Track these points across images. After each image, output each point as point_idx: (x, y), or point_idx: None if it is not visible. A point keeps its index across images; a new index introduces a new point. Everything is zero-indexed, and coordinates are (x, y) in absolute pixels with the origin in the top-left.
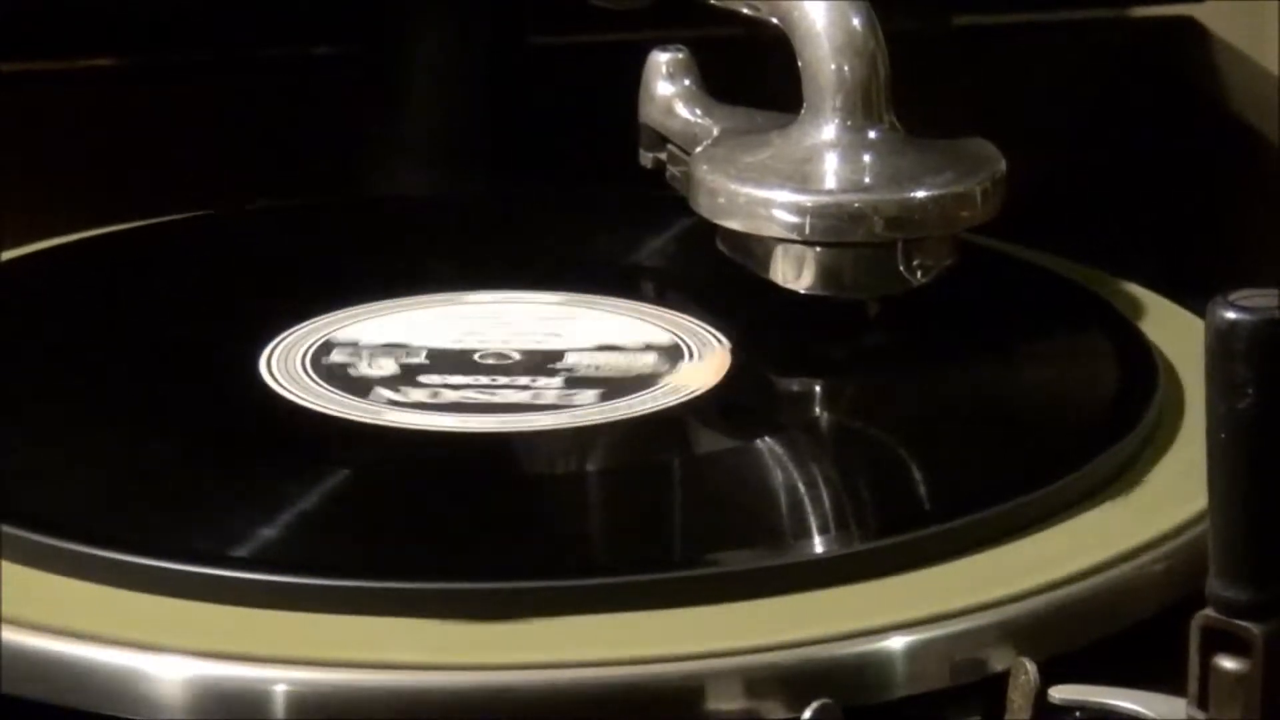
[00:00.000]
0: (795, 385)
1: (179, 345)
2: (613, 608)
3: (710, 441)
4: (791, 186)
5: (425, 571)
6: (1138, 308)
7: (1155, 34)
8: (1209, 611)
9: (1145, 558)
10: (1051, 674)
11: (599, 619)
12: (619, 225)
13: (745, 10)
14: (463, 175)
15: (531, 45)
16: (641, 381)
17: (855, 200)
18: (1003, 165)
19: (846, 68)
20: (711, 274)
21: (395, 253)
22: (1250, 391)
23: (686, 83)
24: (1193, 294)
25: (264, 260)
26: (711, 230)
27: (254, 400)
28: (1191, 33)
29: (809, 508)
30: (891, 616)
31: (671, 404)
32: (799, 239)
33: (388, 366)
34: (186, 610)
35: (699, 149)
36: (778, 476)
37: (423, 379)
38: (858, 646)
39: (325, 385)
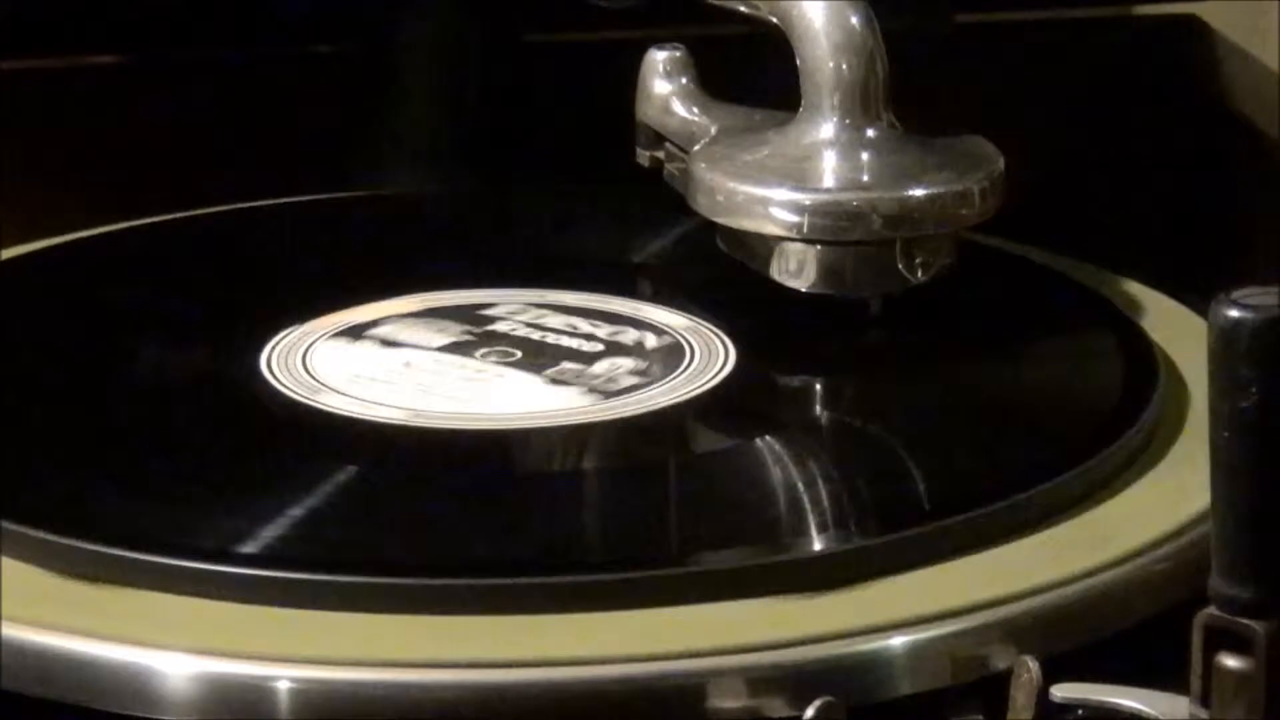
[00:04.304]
0: (796, 383)
1: (179, 344)
2: (615, 605)
3: (711, 440)
4: (790, 185)
5: (426, 568)
6: (1139, 306)
7: (1157, 31)
8: (1211, 610)
9: (1148, 556)
10: (1054, 672)
11: (601, 616)
12: (617, 224)
13: (743, 9)
14: (459, 174)
15: (528, 43)
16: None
17: (854, 198)
18: (1001, 163)
19: (845, 66)
20: (711, 273)
21: (392, 251)
22: (1253, 390)
23: (684, 81)
24: (1194, 292)
25: (262, 259)
26: (710, 229)
27: (256, 398)
28: (1193, 30)
29: (811, 506)
30: (894, 615)
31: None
32: (798, 237)
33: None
34: (190, 607)
35: (697, 147)
36: (780, 474)
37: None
38: (860, 645)
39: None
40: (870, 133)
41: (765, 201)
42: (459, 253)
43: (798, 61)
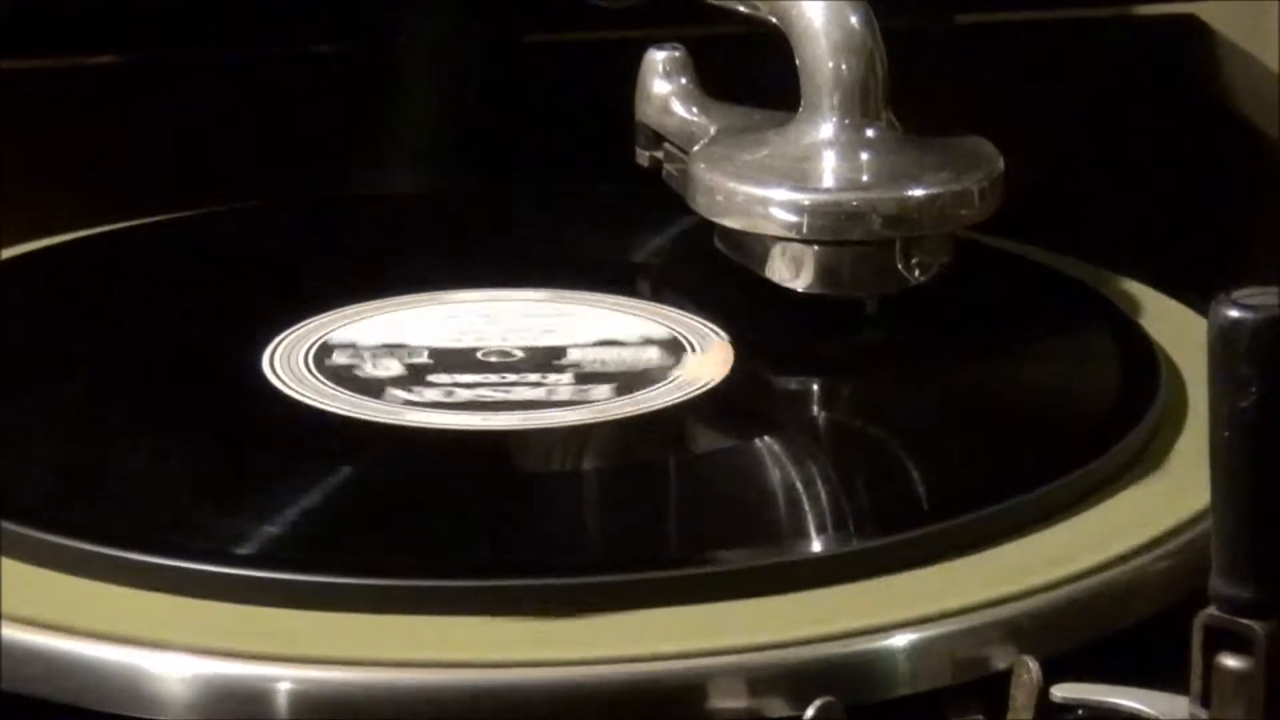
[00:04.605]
0: (796, 384)
1: (179, 344)
2: (616, 605)
3: (711, 440)
4: (789, 185)
5: (427, 569)
6: (1139, 305)
7: (1157, 31)
8: (1211, 610)
9: (1148, 556)
10: (1054, 672)
11: (601, 616)
12: (616, 224)
13: (743, 8)
14: (458, 173)
15: (527, 43)
16: (648, 377)
17: (853, 198)
18: (1000, 163)
19: (844, 66)
20: (711, 273)
21: (391, 251)
22: (1253, 390)
23: (683, 81)
24: (1194, 292)
25: (262, 259)
26: (709, 229)
27: (258, 399)
28: (1193, 30)
29: (811, 506)
30: (894, 615)
31: (673, 402)
32: (797, 237)
33: (392, 365)
34: (190, 608)
35: (696, 147)
36: (779, 475)
37: (430, 377)
38: (860, 644)
39: (329, 384)
40: (869, 133)
41: (764, 201)
42: (456, 252)
43: (797, 61)
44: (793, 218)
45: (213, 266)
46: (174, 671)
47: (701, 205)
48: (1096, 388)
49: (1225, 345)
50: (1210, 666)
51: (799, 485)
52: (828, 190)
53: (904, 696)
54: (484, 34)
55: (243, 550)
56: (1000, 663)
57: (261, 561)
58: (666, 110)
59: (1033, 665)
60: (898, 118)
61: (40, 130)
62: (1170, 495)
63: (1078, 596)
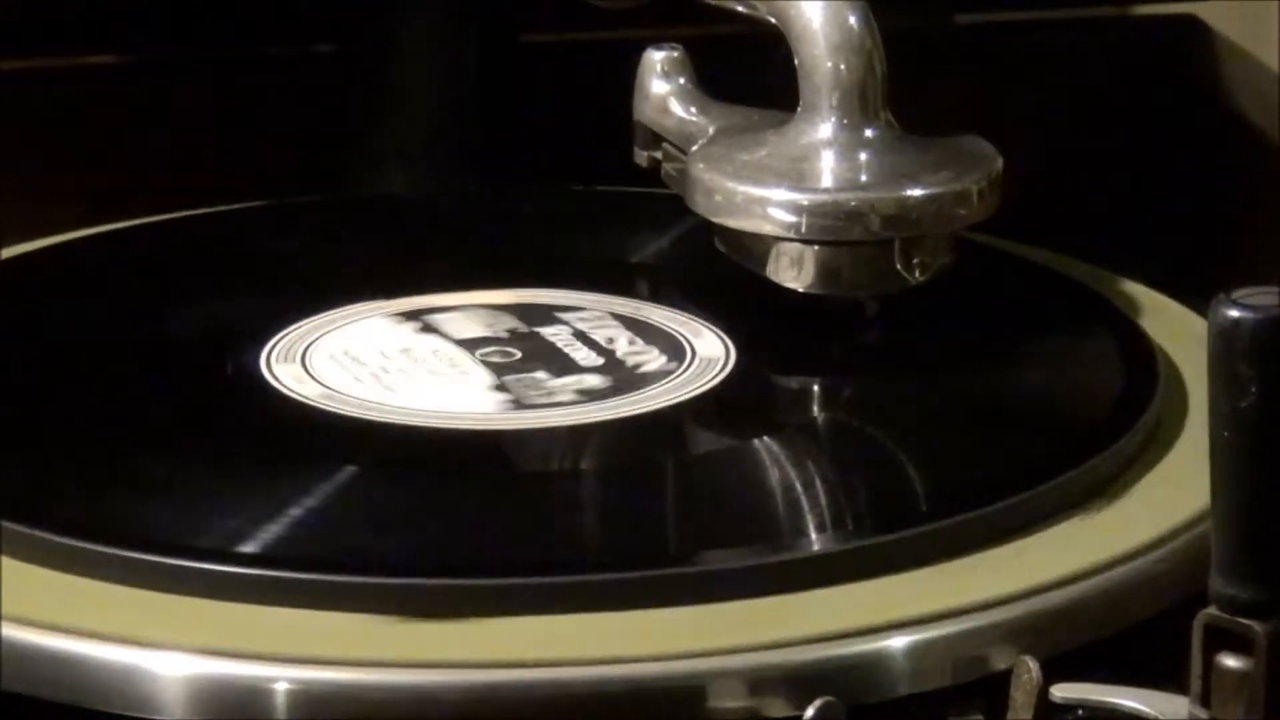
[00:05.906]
0: (796, 383)
1: (179, 343)
2: (615, 605)
3: (711, 440)
4: (788, 185)
5: (426, 568)
6: (1139, 306)
7: (1157, 31)
8: (1212, 610)
9: (1148, 556)
10: (1054, 672)
11: (601, 617)
12: (614, 224)
13: (741, 8)
14: (456, 174)
15: (524, 43)
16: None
17: (852, 199)
18: (999, 163)
19: (843, 66)
20: (711, 273)
21: (390, 251)
22: (1253, 389)
23: (682, 81)
24: (1194, 292)
25: (262, 259)
26: (708, 229)
27: (256, 398)
28: (1193, 30)
29: (811, 505)
30: (894, 614)
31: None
32: (796, 237)
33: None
34: (188, 607)
35: (695, 147)
36: (779, 474)
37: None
38: (860, 645)
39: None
40: (868, 133)
41: (763, 201)
42: (453, 253)
43: (796, 61)
44: (792, 217)
45: (213, 266)
46: (174, 671)
47: (701, 205)
48: (1096, 388)
49: (1225, 345)
50: (1210, 666)
51: (798, 485)
52: (827, 190)
53: (904, 696)
54: (483, 34)
55: (242, 550)
56: (1000, 663)
57: (261, 561)
58: (665, 110)
59: (1033, 665)
60: (896, 118)
61: (40, 130)
62: (1170, 495)
63: (1078, 596)
